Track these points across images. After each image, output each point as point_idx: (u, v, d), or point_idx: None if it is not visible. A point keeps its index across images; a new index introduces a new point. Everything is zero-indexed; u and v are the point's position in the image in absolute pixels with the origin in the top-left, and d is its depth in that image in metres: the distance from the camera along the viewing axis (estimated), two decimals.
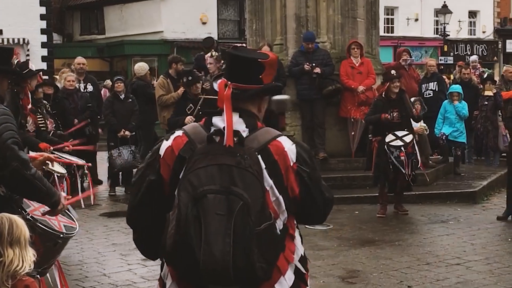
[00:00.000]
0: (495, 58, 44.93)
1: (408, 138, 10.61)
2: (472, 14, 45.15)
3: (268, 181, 3.11)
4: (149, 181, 3.28)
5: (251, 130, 3.20)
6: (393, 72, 11.09)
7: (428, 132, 13.30)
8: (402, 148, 10.46)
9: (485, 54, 43.75)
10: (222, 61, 13.20)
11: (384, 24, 40.02)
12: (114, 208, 12.12)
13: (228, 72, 3.31)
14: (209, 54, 13.27)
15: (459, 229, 9.96)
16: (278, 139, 3.20)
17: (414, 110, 11.39)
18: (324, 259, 8.32)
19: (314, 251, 8.47)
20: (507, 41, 45.77)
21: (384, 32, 38.40)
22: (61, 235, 4.77)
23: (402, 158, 10.44)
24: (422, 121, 12.51)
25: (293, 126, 13.46)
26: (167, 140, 3.28)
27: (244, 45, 18.13)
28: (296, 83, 13.03)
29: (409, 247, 9.02)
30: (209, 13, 34.76)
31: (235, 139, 3.09)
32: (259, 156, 3.10)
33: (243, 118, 3.22)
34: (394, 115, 10.74)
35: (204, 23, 34.30)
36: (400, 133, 10.64)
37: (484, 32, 45.44)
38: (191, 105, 11.21)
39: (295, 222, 3.29)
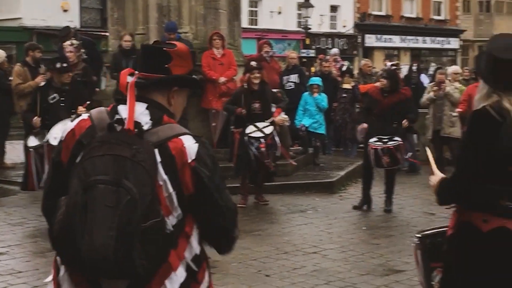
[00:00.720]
0: (355, 52, 46.35)
1: (269, 130, 10.73)
2: (334, 8, 46.35)
3: (162, 176, 2.99)
4: (55, 165, 3.15)
5: (155, 124, 3.08)
6: (253, 63, 11.17)
7: (289, 124, 13.52)
8: (262, 140, 10.58)
9: (345, 48, 44.96)
10: (83, 50, 12.95)
11: (248, 16, 40.40)
12: None
13: (138, 62, 3.26)
14: (68, 42, 12.95)
15: (317, 219, 10.19)
16: (181, 137, 3.07)
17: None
18: None
19: None
20: (366, 35, 47.32)
21: (248, 25, 38.79)
22: None
23: (262, 149, 10.57)
24: (283, 112, 12.68)
25: None
26: (72, 121, 3.16)
27: (107, 34, 17.83)
28: None
29: (268, 236, 9.16)
30: (70, 0, 33.95)
31: (135, 131, 2.98)
32: (156, 150, 2.99)
33: (150, 109, 3.10)
34: (255, 107, 10.85)
35: (65, 11, 33.46)
36: (260, 125, 10.76)
37: (344, 26, 46.72)
38: (55, 95, 10.68)
39: (193, 221, 3.15)
